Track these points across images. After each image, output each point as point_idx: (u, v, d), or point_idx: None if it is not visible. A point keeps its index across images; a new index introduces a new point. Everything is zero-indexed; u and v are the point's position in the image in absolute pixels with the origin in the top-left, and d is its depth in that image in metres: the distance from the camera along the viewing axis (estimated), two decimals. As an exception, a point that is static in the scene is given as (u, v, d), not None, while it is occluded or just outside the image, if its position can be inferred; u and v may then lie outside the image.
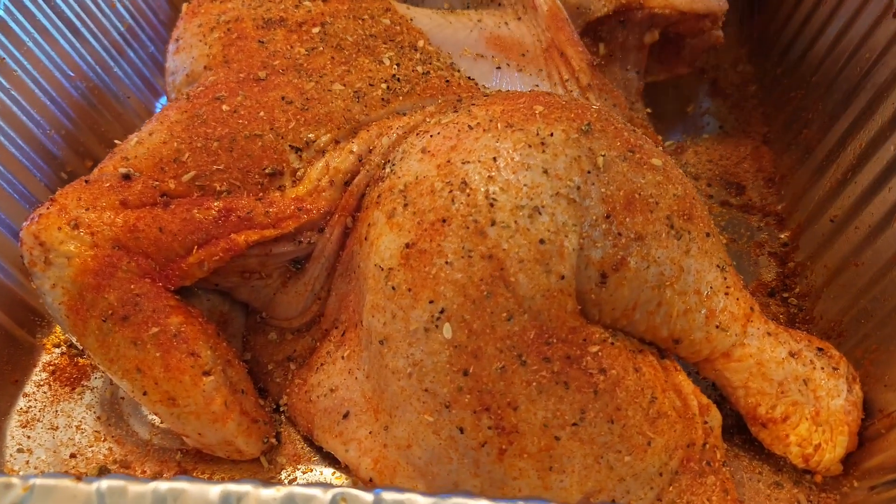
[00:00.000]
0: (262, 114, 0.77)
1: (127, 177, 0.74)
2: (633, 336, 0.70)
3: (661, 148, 0.74)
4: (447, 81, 0.82)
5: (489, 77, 0.87)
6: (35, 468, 0.75)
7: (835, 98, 0.86)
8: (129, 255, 0.71)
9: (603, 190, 0.66)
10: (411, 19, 0.89)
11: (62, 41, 0.95)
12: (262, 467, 0.74)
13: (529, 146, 0.67)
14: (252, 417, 0.73)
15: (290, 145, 0.76)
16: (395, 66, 0.81)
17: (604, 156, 0.67)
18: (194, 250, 0.72)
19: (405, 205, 0.67)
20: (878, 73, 0.80)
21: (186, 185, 0.74)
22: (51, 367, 0.82)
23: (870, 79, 0.81)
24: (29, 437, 0.77)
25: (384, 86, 0.80)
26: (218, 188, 0.74)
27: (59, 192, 0.73)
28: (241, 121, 0.77)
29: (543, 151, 0.66)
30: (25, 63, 0.89)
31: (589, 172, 0.66)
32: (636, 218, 0.67)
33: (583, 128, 0.68)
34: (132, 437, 0.77)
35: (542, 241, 0.64)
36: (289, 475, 0.74)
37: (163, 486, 0.53)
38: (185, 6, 0.93)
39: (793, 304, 0.83)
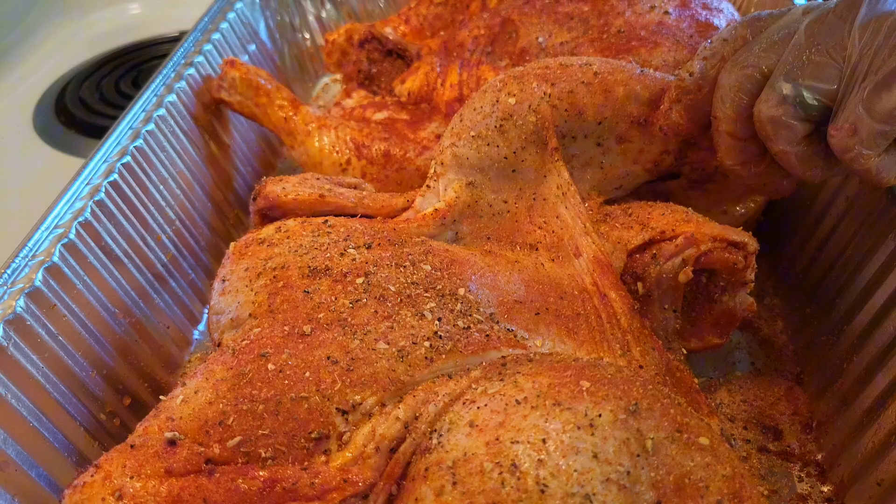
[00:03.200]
0: (307, 374, 0.78)
1: (172, 442, 0.74)
2: None
3: (707, 423, 0.74)
4: (487, 336, 0.83)
5: (529, 323, 0.88)
6: None
7: (870, 352, 0.87)
8: (172, 529, 0.70)
9: (653, 474, 0.66)
10: (451, 262, 0.92)
11: (109, 279, 0.98)
12: None
13: (578, 428, 0.67)
14: None
15: (336, 408, 0.76)
16: (437, 322, 0.83)
17: (652, 438, 0.67)
18: (237, 523, 0.71)
19: (454, 483, 0.67)
20: (916, 336, 0.81)
21: (231, 450, 0.74)
22: None
23: (907, 341, 0.82)
24: None
25: (427, 344, 0.81)
26: (263, 454, 0.74)
27: (104, 458, 0.73)
28: (286, 381, 0.78)
29: (593, 434, 0.67)
30: (74, 307, 0.91)
31: (638, 456, 0.66)
32: (687, 505, 0.66)
33: (630, 408, 0.69)
34: None
35: (594, 533, 0.63)
36: None
37: None
38: (232, 245, 0.96)
39: (843, 570, 0.81)
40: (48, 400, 0.86)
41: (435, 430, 0.74)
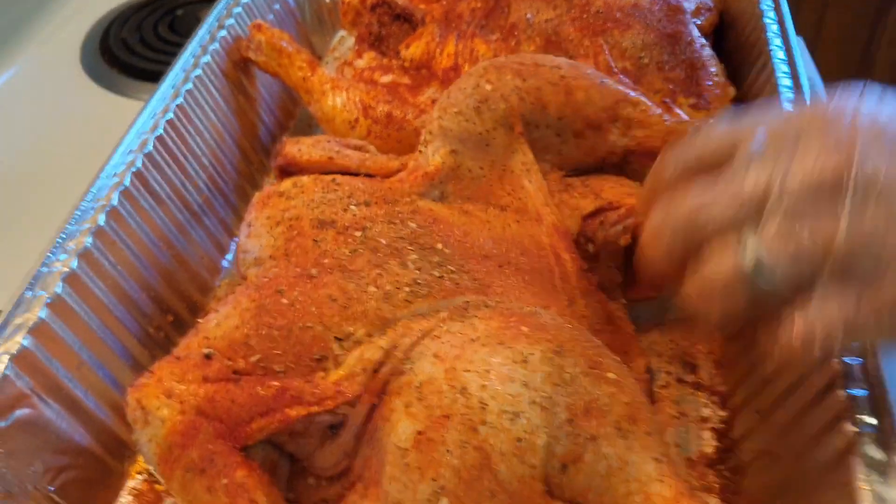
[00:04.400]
0: (313, 309, 0.99)
1: (208, 356, 0.96)
2: (588, 509, 0.91)
3: (618, 361, 0.96)
4: (457, 284, 1.04)
5: (494, 275, 1.08)
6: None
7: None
8: (208, 421, 0.93)
9: (568, 400, 0.88)
10: (433, 220, 1.12)
11: (156, 218, 1.19)
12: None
13: (515, 363, 0.89)
14: (293, 551, 0.94)
15: (334, 336, 0.98)
16: (417, 271, 1.04)
17: (570, 372, 0.89)
18: (256, 419, 0.94)
19: (419, 399, 0.89)
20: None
21: (253, 365, 0.97)
22: (135, 492, 1.05)
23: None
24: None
25: (407, 289, 1.02)
26: (276, 369, 0.96)
27: (157, 365, 0.96)
28: (296, 313, 0.99)
29: (525, 368, 0.88)
30: (128, 241, 1.13)
31: (558, 385, 0.88)
32: (591, 422, 0.88)
33: (556, 349, 0.90)
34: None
35: (519, 440, 0.85)
36: None
37: None
38: (257, 195, 1.17)
39: (726, 476, 1.04)
40: (110, 316, 1.08)
41: (408, 358, 0.95)
